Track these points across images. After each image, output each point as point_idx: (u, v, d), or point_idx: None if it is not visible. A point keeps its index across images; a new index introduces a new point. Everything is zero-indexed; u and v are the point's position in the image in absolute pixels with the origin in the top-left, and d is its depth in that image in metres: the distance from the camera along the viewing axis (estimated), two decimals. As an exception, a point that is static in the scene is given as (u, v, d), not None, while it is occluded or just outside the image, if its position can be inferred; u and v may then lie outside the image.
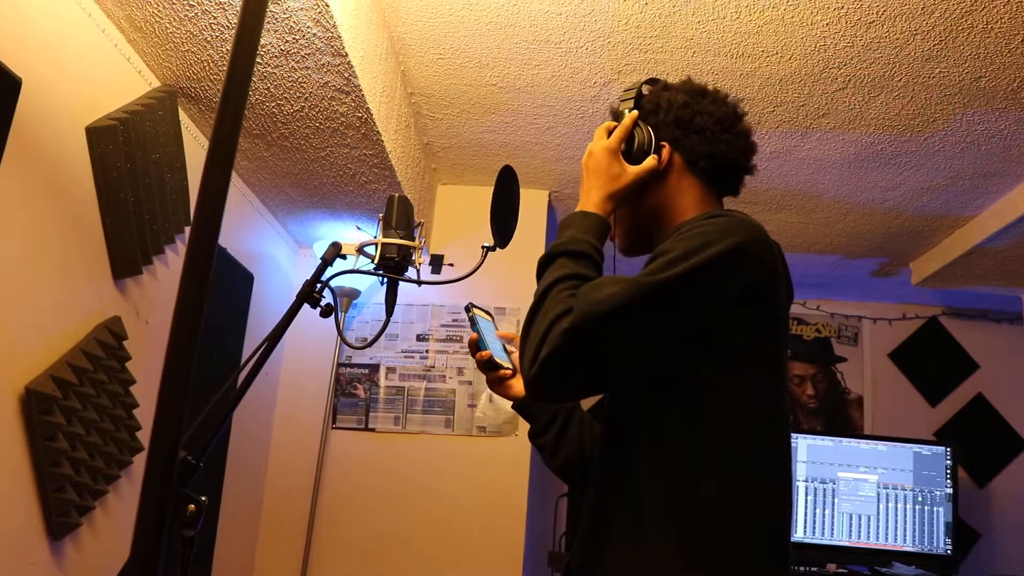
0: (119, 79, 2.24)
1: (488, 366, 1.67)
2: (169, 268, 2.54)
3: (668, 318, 1.25)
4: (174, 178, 2.44)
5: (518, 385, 1.68)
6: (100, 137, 2.10)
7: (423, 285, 1.84)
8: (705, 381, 1.28)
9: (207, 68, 2.35)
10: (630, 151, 1.45)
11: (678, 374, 1.28)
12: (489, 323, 1.77)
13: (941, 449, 3.92)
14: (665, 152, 1.45)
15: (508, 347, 1.74)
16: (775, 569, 1.29)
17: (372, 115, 2.46)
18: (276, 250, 3.51)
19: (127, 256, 2.26)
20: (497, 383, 1.70)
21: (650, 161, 1.44)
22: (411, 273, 1.78)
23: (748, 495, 1.26)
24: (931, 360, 4.65)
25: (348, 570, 3.35)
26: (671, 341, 1.26)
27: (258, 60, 2.27)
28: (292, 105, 2.48)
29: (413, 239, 1.79)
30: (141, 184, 2.26)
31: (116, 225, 2.20)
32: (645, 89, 1.52)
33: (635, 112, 1.47)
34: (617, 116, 1.51)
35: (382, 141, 2.62)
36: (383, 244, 1.76)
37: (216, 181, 0.94)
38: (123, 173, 2.18)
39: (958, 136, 2.91)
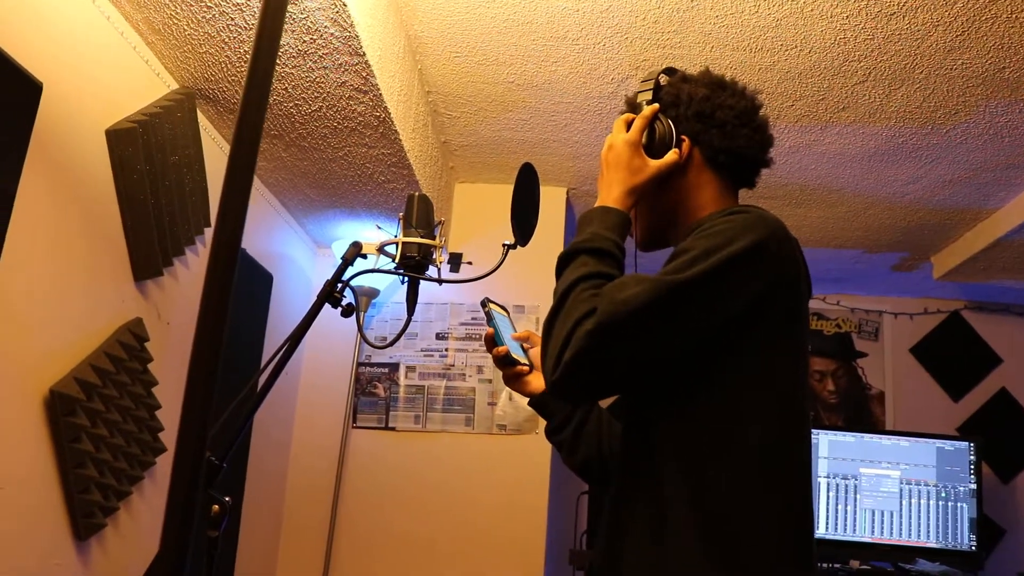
0: (138, 81, 2.25)
1: (504, 362, 1.66)
2: (189, 269, 2.55)
3: (691, 317, 1.24)
4: (193, 180, 2.45)
5: (535, 381, 1.66)
6: (120, 140, 2.11)
7: (443, 284, 1.84)
8: (727, 379, 1.27)
9: (225, 69, 2.35)
10: (651, 144, 1.44)
11: (700, 372, 1.28)
12: (505, 318, 1.76)
13: (964, 444, 3.88)
14: (685, 146, 1.44)
15: (525, 344, 1.73)
16: (800, 568, 1.28)
17: (390, 114, 2.46)
18: (295, 250, 3.52)
19: (148, 258, 2.27)
20: (513, 379, 1.68)
21: (671, 155, 1.43)
22: (432, 272, 1.78)
23: (772, 493, 1.26)
24: (953, 355, 4.60)
25: (370, 568, 3.36)
26: (694, 340, 1.25)
27: (276, 61, 2.27)
28: (310, 105, 2.48)
29: (434, 238, 1.78)
30: (161, 186, 2.27)
31: (137, 227, 2.21)
32: (663, 80, 1.50)
33: (656, 105, 1.46)
34: (634, 107, 1.50)
35: (400, 140, 2.62)
36: (403, 243, 1.76)
37: (239, 181, 0.94)
38: (143, 175, 2.19)
39: (981, 128, 2.88)
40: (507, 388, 3.41)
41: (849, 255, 4.08)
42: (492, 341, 1.68)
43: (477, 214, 3.59)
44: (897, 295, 4.66)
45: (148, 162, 2.19)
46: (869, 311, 4.64)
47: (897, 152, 3.10)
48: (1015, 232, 3.45)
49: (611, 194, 1.43)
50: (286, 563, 3.43)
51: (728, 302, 1.25)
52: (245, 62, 2.28)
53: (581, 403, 1.64)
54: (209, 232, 2.62)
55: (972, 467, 3.84)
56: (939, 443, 3.87)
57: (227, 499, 1.44)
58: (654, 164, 1.43)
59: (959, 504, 3.80)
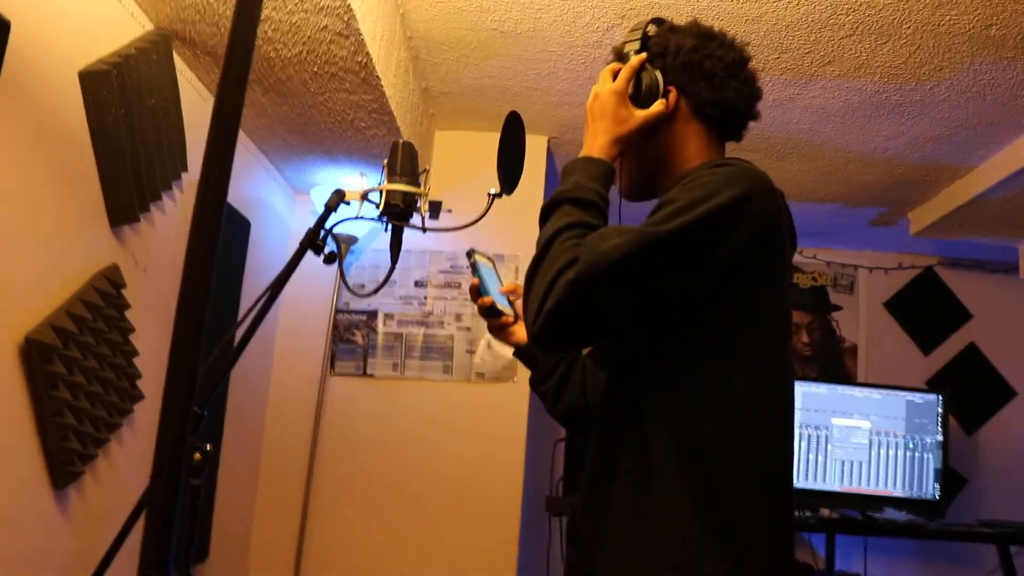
0: (111, 22, 2.19)
1: (489, 312, 1.66)
2: (166, 215, 2.51)
3: (674, 268, 1.24)
4: (169, 124, 2.40)
5: (519, 332, 1.67)
6: (94, 82, 2.06)
7: (427, 232, 1.82)
8: (710, 330, 1.28)
9: (202, 11, 2.28)
10: (637, 95, 1.42)
11: (683, 323, 1.28)
12: (491, 269, 1.75)
13: (933, 397, 3.95)
14: (672, 96, 1.43)
15: (511, 296, 1.73)
16: (780, 516, 1.31)
17: (372, 60, 2.41)
18: (273, 196, 3.47)
19: (124, 203, 2.23)
20: (498, 330, 1.69)
21: (658, 105, 1.42)
22: (415, 220, 1.76)
23: (755, 442, 1.27)
24: (926, 309, 4.67)
25: (348, 514, 3.39)
26: (677, 291, 1.26)
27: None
28: (290, 50, 2.43)
29: (418, 186, 1.76)
30: (137, 130, 2.22)
31: (112, 172, 2.16)
32: (651, 30, 1.47)
33: (643, 55, 1.44)
34: (621, 57, 1.48)
35: (381, 86, 2.57)
36: (388, 191, 1.74)
37: (225, 123, 0.92)
38: (118, 119, 2.13)
39: (964, 85, 2.88)
40: (485, 336, 3.44)
41: (828, 209, 4.09)
42: (477, 291, 1.68)
43: (457, 162, 3.55)
44: (873, 249, 4.70)
45: (123, 105, 2.14)
46: (845, 265, 4.68)
47: (880, 108, 3.09)
48: (992, 190, 3.47)
49: (596, 144, 1.42)
50: (264, 508, 3.45)
51: (710, 254, 1.25)
52: (223, 3, 2.22)
53: (562, 352, 1.64)
54: (187, 177, 2.57)
55: (940, 419, 3.92)
56: (909, 396, 3.94)
57: (207, 446, 1.44)
58: (640, 114, 1.42)
59: (925, 455, 3.88)
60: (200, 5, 2.25)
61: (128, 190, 2.23)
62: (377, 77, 2.51)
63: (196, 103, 2.64)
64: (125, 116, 2.15)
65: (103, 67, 2.08)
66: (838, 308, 4.65)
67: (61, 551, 2.09)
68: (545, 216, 1.39)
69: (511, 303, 1.71)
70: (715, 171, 1.32)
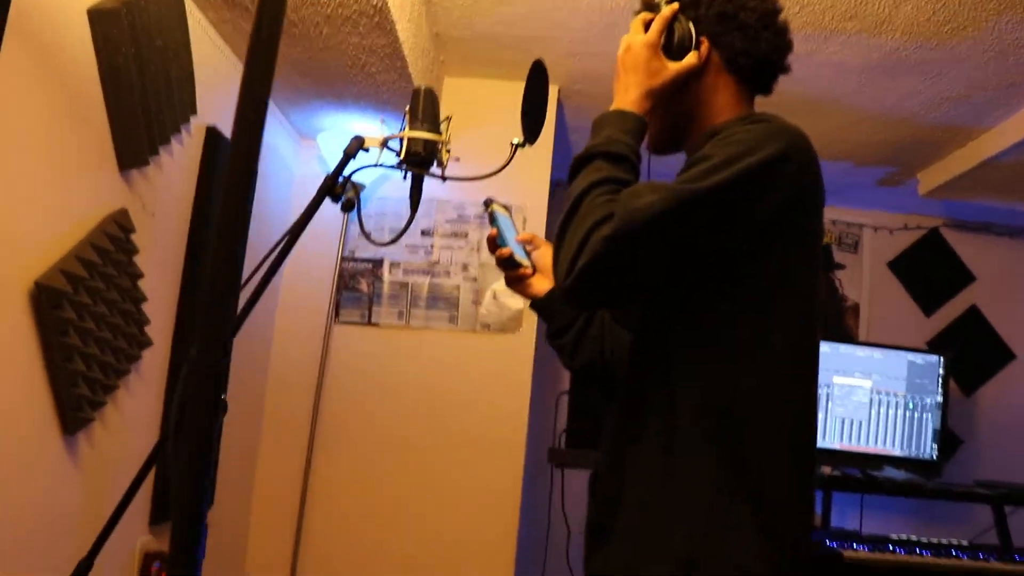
0: (121, -44, 2.11)
1: (507, 264, 1.65)
2: (174, 159, 2.46)
3: (710, 226, 1.23)
4: (179, 65, 2.34)
5: (537, 284, 1.66)
6: (103, 20, 1.99)
7: (446, 181, 1.79)
8: (748, 287, 1.27)
9: (215, -54, 2.22)
10: (669, 46, 1.40)
11: (720, 280, 1.27)
12: (508, 220, 1.73)
13: (935, 358, 3.96)
14: (704, 47, 1.40)
15: (527, 247, 1.71)
16: (807, 485, 1.31)
17: (387, 4, 2.35)
18: (278, 140, 3.41)
19: (133, 147, 2.18)
20: (516, 281, 1.68)
21: (691, 57, 1.39)
22: (435, 169, 1.73)
23: (787, 405, 1.27)
24: (929, 271, 4.66)
25: (352, 462, 3.40)
26: (712, 249, 1.24)
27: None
28: (304, -10, 2.37)
29: (439, 133, 1.73)
30: (147, 71, 2.16)
31: (122, 114, 2.11)
32: None
33: (675, 4, 1.41)
34: (652, 7, 1.45)
35: (396, 31, 2.51)
36: (409, 138, 1.70)
37: (260, 68, 0.89)
38: (128, 59, 2.08)
39: (987, 44, 2.82)
40: (492, 287, 3.42)
41: (837, 167, 4.06)
42: (494, 242, 1.66)
43: (467, 109, 3.48)
44: (879, 209, 4.67)
45: (134, 45, 2.08)
46: (850, 224, 4.66)
47: (898, 66, 3.04)
48: (1005, 153, 3.43)
49: (628, 97, 1.40)
50: (267, 456, 3.45)
51: (747, 212, 1.23)
52: (237, -60, 2.15)
53: (596, 309, 1.63)
54: (195, 120, 2.52)
55: (940, 380, 3.94)
56: (910, 356, 3.95)
57: (223, 396, 1.43)
58: (673, 67, 1.39)
59: (924, 415, 3.91)
60: (212, -59, 2.19)
61: (138, 133, 2.18)
62: (392, 21, 2.45)
63: (205, 44, 2.58)
64: (135, 56, 2.10)
65: (113, 4, 2.01)
66: (841, 267, 4.64)
67: (71, 497, 2.09)
68: (576, 170, 1.36)
69: (528, 254, 1.69)
70: (750, 127, 1.30)
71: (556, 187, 3.65)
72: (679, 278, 1.27)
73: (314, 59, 2.80)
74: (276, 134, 3.38)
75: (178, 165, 2.48)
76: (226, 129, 2.73)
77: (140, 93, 2.15)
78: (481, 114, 3.40)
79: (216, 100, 2.67)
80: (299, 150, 3.64)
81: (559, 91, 3.55)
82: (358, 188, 3.37)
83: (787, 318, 1.28)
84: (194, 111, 2.47)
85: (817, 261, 1.35)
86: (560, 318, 1.66)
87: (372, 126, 3.34)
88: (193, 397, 0.88)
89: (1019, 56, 2.87)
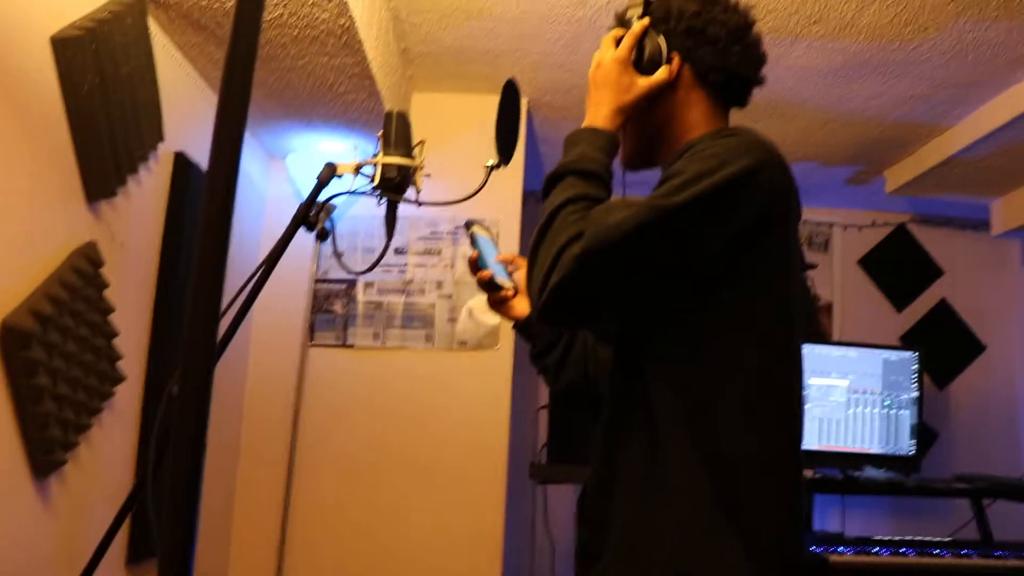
0: (83, -17, 2.08)
1: (489, 286, 1.65)
2: (143, 187, 2.42)
3: (683, 242, 1.22)
4: (145, 92, 2.30)
5: (520, 305, 1.65)
6: (67, 49, 1.95)
7: (422, 206, 1.78)
8: (721, 304, 1.27)
9: (177, -28, 2.18)
10: (640, 61, 1.39)
11: (694, 297, 1.27)
12: (489, 241, 1.72)
13: (909, 354, 4.00)
14: (675, 63, 1.40)
15: (509, 267, 1.70)
16: (790, 493, 1.30)
17: (355, 23, 2.33)
18: (247, 162, 3.37)
19: (101, 178, 2.13)
20: (498, 304, 1.68)
21: (662, 73, 1.39)
22: (410, 193, 1.72)
23: (765, 415, 1.27)
24: (899, 266, 4.71)
25: (332, 487, 3.36)
26: (686, 265, 1.24)
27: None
28: (270, 12, 2.33)
29: (413, 158, 1.72)
30: (112, 100, 2.12)
31: (88, 145, 2.07)
32: None
33: (646, 20, 1.41)
34: (624, 23, 1.45)
35: (364, 50, 2.49)
36: (383, 164, 1.69)
37: (235, 99, 0.87)
38: (93, 88, 2.04)
39: (947, 45, 2.86)
40: (467, 304, 3.41)
41: (805, 168, 4.10)
42: (476, 264, 1.65)
43: (437, 124, 3.47)
44: (847, 207, 4.72)
45: (99, 74, 2.04)
46: (820, 223, 4.70)
47: (862, 67, 3.07)
48: (968, 149, 3.48)
49: (599, 113, 1.40)
50: (246, 483, 3.40)
51: (720, 227, 1.23)
52: (200, -35, 2.12)
53: (570, 328, 1.62)
54: (162, 147, 2.48)
55: (915, 376, 3.97)
56: (885, 354, 3.98)
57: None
58: (644, 82, 1.39)
59: (901, 411, 3.94)
60: (174, -33, 2.15)
61: (105, 163, 2.13)
62: (359, 41, 2.44)
63: (172, 70, 2.54)
64: (100, 85, 2.06)
65: (77, 32, 1.97)
66: (813, 266, 4.67)
67: (44, 542, 2.03)
68: (548, 188, 1.36)
69: (510, 275, 1.69)
70: (722, 141, 1.30)
71: (528, 199, 3.64)
72: (653, 293, 1.27)
73: (282, 80, 2.77)
74: (246, 156, 3.34)
75: (146, 193, 2.44)
76: (194, 154, 2.69)
77: (106, 122, 2.11)
78: (451, 128, 3.39)
79: (184, 125, 2.63)
80: (269, 171, 3.60)
81: (528, 103, 3.54)
82: (330, 208, 3.33)
83: (762, 330, 1.28)
84: (161, 138, 2.44)
85: (795, 271, 1.35)
86: (543, 339, 1.65)
87: (341, 145, 3.31)
88: (178, 438, 0.86)
89: (978, 55, 2.91)
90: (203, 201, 0.89)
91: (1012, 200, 4.08)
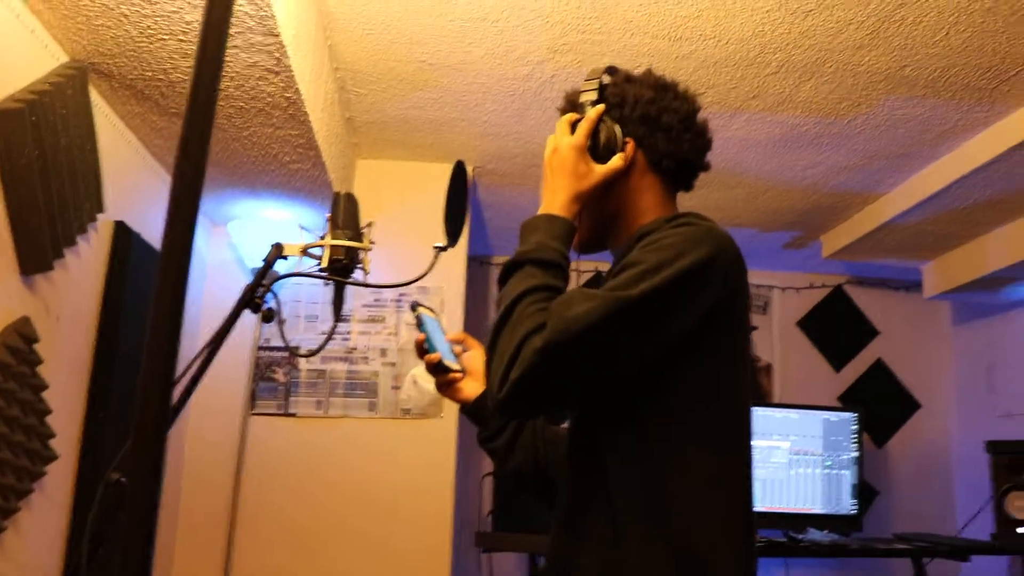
0: (23, 55, 2.04)
1: (437, 369, 1.61)
2: (81, 259, 2.35)
3: (644, 332, 1.22)
4: (85, 162, 2.25)
5: (468, 388, 1.62)
6: (6, 121, 1.91)
7: (371, 288, 1.76)
8: (676, 387, 1.27)
9: (123, 45, 2.15)
10: (596, 148, 1.40)
11: (651, 384, 1.27)
12: (436, 323, 1.69)
13: (848, 415, 4.08)
14: (630, 149, 1.41)
15: (456, 348, 1.67)
16: (745, 566, 1.30)
17: (301, 96, 2.33)
18: (187, 228, 3.31)
19: (36, 251, 2.08)
20: (446, 386, 1.64)
21: (617, 160, 1.40)
22: (358, 275, 1.70)
23: (720, 498, 1.26)
24: (836, 327, 4.82)
25: (274, 560, 3.26)
26: (646, 355, 1.24)
27: (183, 38, 2.10)
28: (215, 85, 2.32)
29: (361, 240, 1.71)
30: (51, 171, 2.07)
31: (23, 218, 2.01)
32: (606, 79, 1.46)
33: (602, 106, 1.42)
34: (576, 106, 1.46)
35: (309, 122, 2.48)
36: (332, 247, 1.67)
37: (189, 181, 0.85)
38: (31, 160, 1.99)
39: (879, 120, 2.98)
40: (411, 372, 3.37)
41: (745, 233, 4.19)
42: (423, 348, 1.62)
43: (380, 190, 3.47)
44: (786, 270, 4.83)
45: (37, 146, 1.99)
46: (759, 286, 4.80)
47: (799, 140, 3.17)
48: (901, 216, 3.61)
49: (556, 200, 1.39)
50: (184, 556, 3.28)
51: (678, 317, 1.24)
52: (147, 38, 2.10)
53: (529, 419, 1.60)
54: (102, 218, 2.43)
55: (855, 436, 4.04)
56: (825, 415, 4.05)
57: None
58: (600, 170, 1.40)
59: (841, 472, 4.00)
60: (120, 38, 2.13)
61: (41, 237, 2.08)
62: (305, 113, 2.43)
63: (112, 139, 2.50)
64: (39, 157, 2.01)
65: (15, 105, 1.93)
66: (753, 328, 4.76)
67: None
68: (506, 276, 1.35)
69: (457, 357, 1.66)
70: (679, 232, 1.31)
71: (471, 264, 3.64)
72: (613, 385, 1.27)
73: (227, 150, 2.74)
74: (185, 222, 3.28)
75: (84, 265, 2.38)
76: (135, 223, 2.63)
77: (44, 194, 2.06)
78: (395, 195, 3.38)
79: (124, 194, 2.58)
80: (210, 237, 3.54)
81: (473, 170, 3.56)
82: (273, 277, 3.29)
83: (716, 416, 1.29)
84: (101, 208, 2.39)
85: (745, 356, 1.37)
86: (491, 423, 1.63)
87: (285, 212, 3.28)
88: (130, 529, 0.82)
89: (908, 129, 3.03)
90: (157, 279, 0.85)
91: (942, 264, 4.22)
